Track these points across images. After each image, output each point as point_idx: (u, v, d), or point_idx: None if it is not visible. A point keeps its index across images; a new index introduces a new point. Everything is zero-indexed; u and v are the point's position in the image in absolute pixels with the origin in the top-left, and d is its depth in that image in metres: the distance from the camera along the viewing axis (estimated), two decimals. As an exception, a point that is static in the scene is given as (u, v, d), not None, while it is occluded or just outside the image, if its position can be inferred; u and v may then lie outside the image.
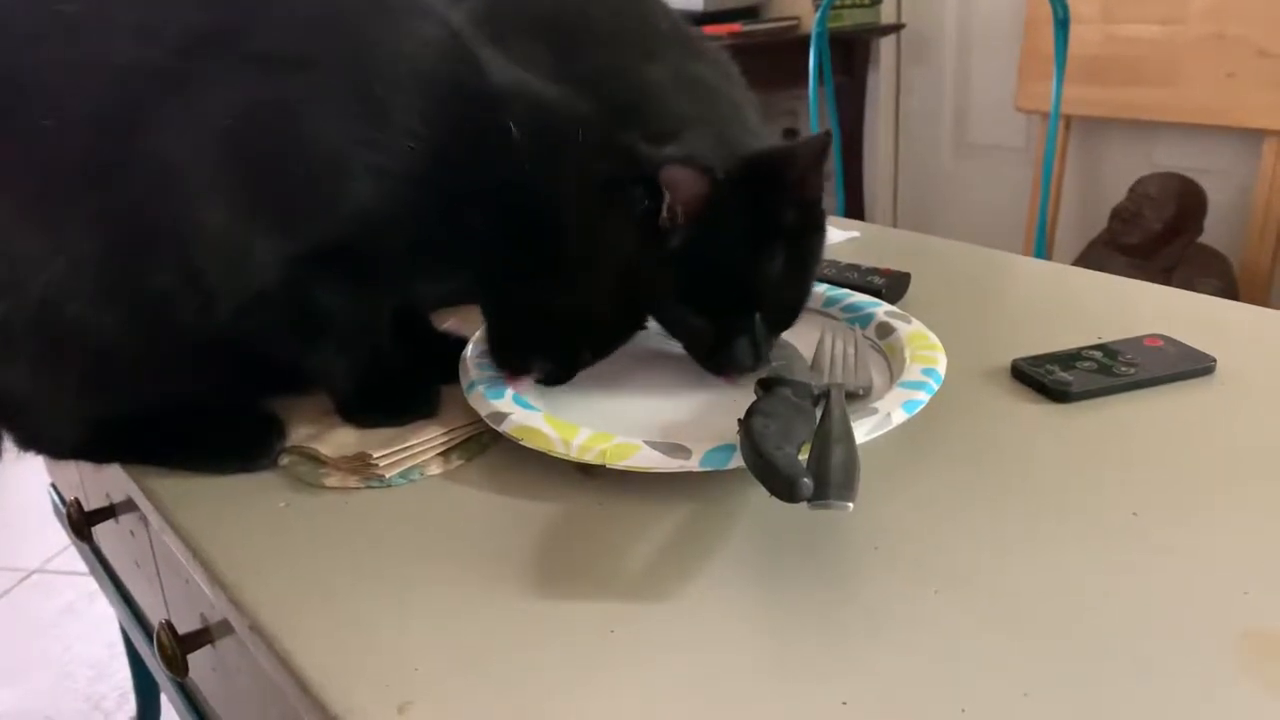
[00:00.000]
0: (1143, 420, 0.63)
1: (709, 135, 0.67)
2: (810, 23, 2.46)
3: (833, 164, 2.62)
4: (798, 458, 0.50)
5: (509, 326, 0.68)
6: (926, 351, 0.67)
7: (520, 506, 0.57)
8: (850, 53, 2.72)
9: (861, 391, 0.65)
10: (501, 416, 0.61)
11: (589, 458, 0.56)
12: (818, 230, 0.67)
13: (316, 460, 0.62)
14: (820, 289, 0.81)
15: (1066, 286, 0.91)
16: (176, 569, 0.75)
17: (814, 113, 2.40)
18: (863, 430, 0.55)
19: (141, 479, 0.63)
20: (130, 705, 1.60)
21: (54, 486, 1.18)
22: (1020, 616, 0.46)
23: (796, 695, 0.42)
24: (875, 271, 0.87)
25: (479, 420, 0.63)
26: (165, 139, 0.54)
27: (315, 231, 0.58)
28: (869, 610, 0.47)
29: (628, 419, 0.63)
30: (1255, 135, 2.15)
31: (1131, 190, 2.20)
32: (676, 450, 0.55)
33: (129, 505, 0.84)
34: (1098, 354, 0.70)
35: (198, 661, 0.72)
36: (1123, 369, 0.68)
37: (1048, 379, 0.67)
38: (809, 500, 0.47)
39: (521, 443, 0.59)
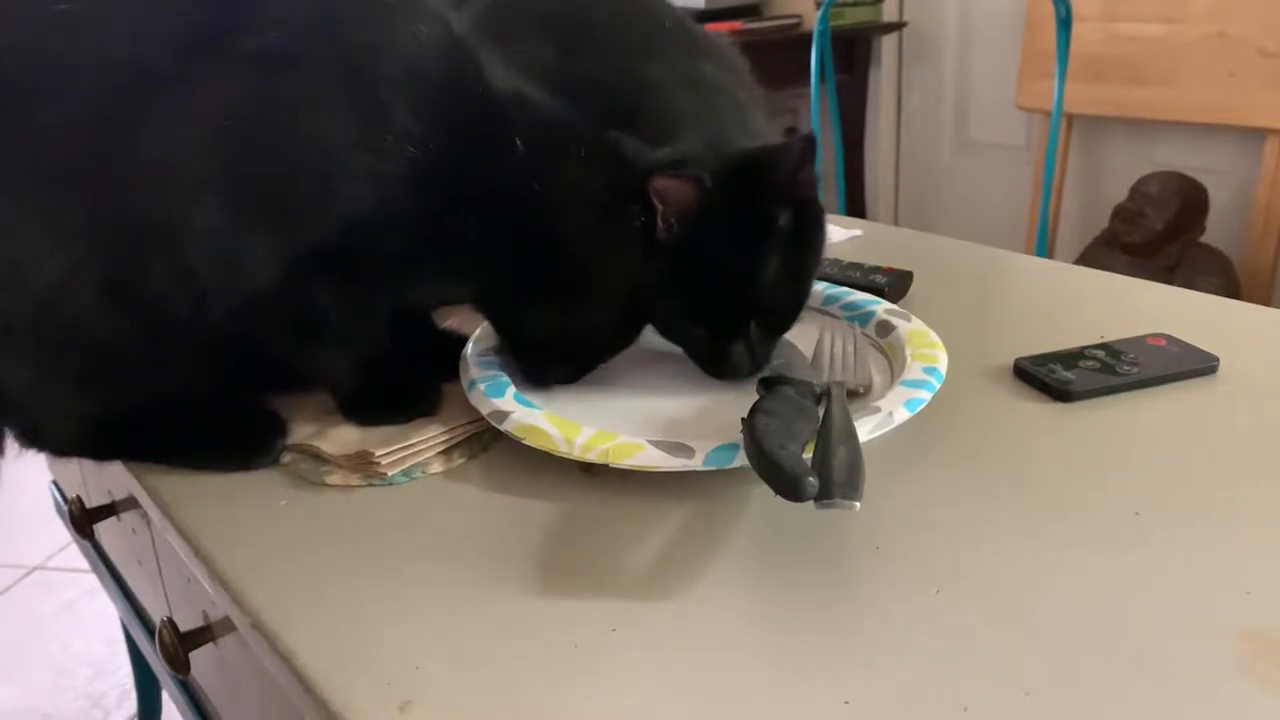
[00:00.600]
0: (1145, 419, 0.63)
1: (704, 136, 0.67)
2: (811, 21, 2.46)
3: (833, 162, 2.62)
4: (802, 456, 0.50)
5: (517, 335, 0.68)
6: (928, 350, 0.67)
7: (522, 505, 0.57)
8: (852, 51, 2.72)
9: (862, 389, 0.65)
10: (503, 415, 0.61)
11: (591, 456, 0.56)
12: (815, 230, 0.67)
13: (318, 458, 0.62)
14: (820, 287, 0.81)
15: (1069, 285, 0.90)
16: (178, 567, 0.75)
17: (815, 111, 2.40)
18: (865, 429, 0.55)
19: (143, 476, 0.63)
20: (130, 703, 1.60)
21: (55, 484, 1.18)
22: (1022, 616, 0.46)
23: (798, 694, 0.42)
24: (877, 270, 0.87)
25: (481, 418, 0.63)
26: (160, 138, 0.54)
27: (309, 232, 0.58)
28: (870, 609, 0.47)
29: (630, 418, 0.63)
30: (1257, 134, 2.15)
31: (1133, 189, 2.20)
32: (679, 449, 0.55)
33: (131, 503, 0.84)
34: (1100, 353, 0.70)
35: (199, 659, 0.72)
36: (1125, 368, 0.68)
37: (1050, 378, 0.66)
38: (815, 500, 0.47)
39: (524, 441, 0.59)
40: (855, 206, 2.75)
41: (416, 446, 0.61)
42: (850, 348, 0.69)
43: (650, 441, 0.56)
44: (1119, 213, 2.21)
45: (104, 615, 1.82)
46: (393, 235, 0.59)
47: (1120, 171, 2.38)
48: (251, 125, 0.55)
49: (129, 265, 0.56)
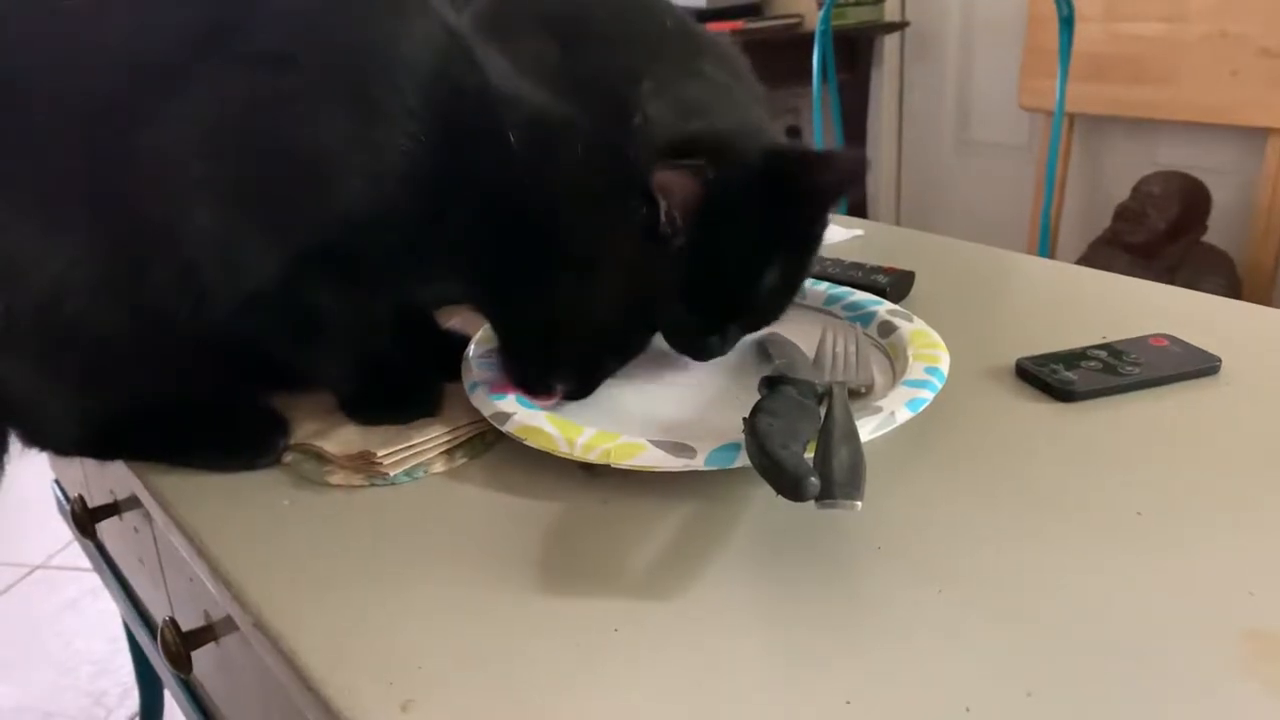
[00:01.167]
0: (1147, 420, 0.63)
1: (709, 132, 0.67)
2: (813, 20, 2.46)
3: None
4: (804, 456, 0.50)
5: (519, 339, 0.67)
6: (929, 350, 0.67)
7: (524, 505, 0.57)
8: (853, 50, 2.72)
9: (863, 389, 0.65)
10: (505, 416, 0.61)
11: (593, 457, 0.56)
12: (819, 241, 0.68)
13: (320, 458, 0.62)
14: (821, 287, 0.81)
15: (1071, 285, 0.90)
16: (180, 566, 0.75)
17: (817, 110, 2.40)
18: (867, 429, 0.55)
19: (145, 476, 0.63)
20: (131, 701, 1.60)
21: (58, 483, 1.18)
22: (1024, 616, 0.46)
23: (800, 694, 0.42)
24: (879, 270, 0.86)
25: (483, 419, 0.63)
26: (160, 136, 0.54)
27: (307, 231, 0.58)
28: (872, 609, 0.47)
29: (632, 418, 0.63)
30: (1259, 133, 2.15)
31: (1135, 189, 2.20)
32: (681, 449, 0.55)
33: (133, 502, 0.84)
34: (1102, 353, 0.70)
35: (201, 658, 0.72)
36: (1127, 368, 0.68)
37: (1052, 378, 0.66)
38: (817, 500, 0.47)
39: (525, 442, 0.59)
40: (857, 206, 2.74)
41: (419, 446, 0.62)
42: (852, 348, 0.69)
43: (651, 442, 0.56)
44: (1121, 212, 2.21)
45: (106, 614, 1.82)
46: (392, 234, 0.59)
47: (1122, 171, 2.38)
48: (250, 125, 0.55)
49: (129, 264, 0.56)
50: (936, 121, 2.88)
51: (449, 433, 0.63)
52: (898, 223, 2.99)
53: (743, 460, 0.53)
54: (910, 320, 0.72)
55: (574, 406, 0.65)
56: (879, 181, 2.97)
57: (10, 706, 1.67)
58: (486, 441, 0.64)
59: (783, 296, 0.69)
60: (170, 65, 0.55)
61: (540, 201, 0.61)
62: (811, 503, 0.47)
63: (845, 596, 0.48)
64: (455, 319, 0.78)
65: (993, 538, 0.52)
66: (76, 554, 1.82)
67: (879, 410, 0.58)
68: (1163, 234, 2.13)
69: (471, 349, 0.70)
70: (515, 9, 0.76)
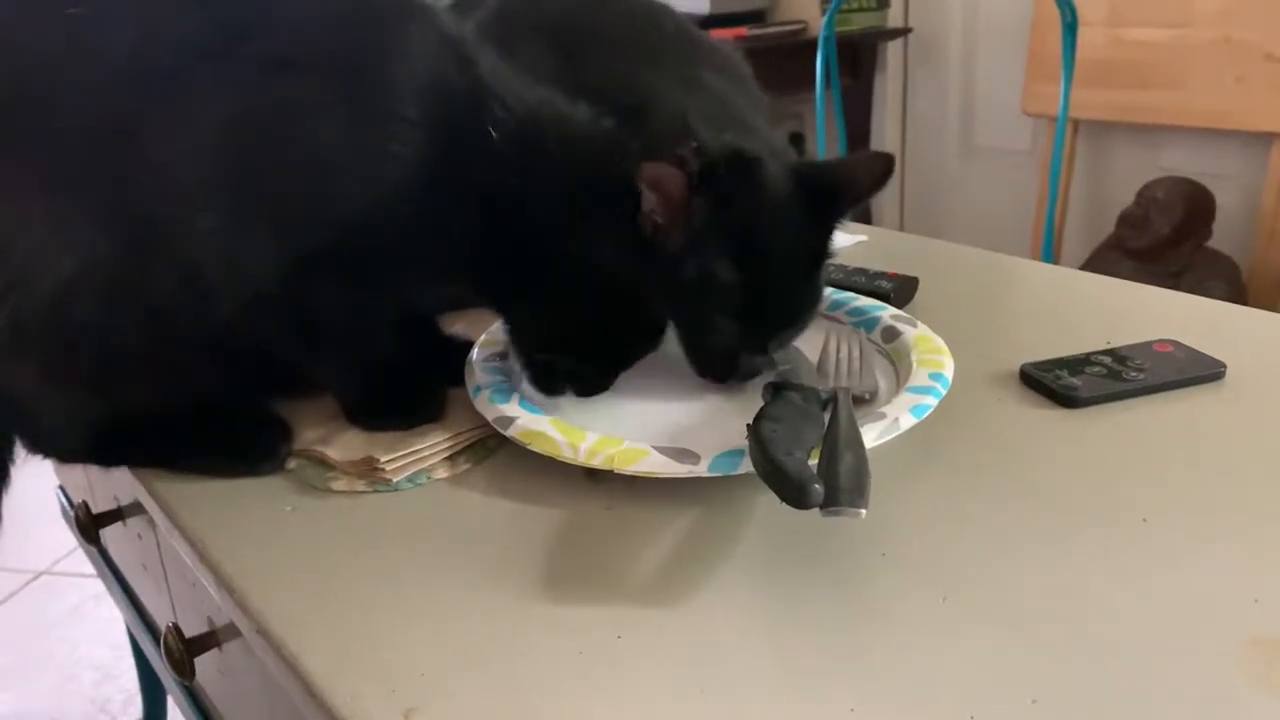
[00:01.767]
0: (1152, 426, 0.63)
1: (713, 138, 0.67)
2: (817, 26, 2.46)
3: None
4: (808, 463, 0.50)
5: (531, 338, 0.67)
6: (933, 356, 0.67)
7: (527, 511, 0.57)
8: (857, 56, 2.72)
9: (867, 395, 0.65)
10: (508, 421, 0.61)
11: (596, 462, 0.56)
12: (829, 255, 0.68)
13: (323, 464, 0.62)
14: (825, 293, 0.81)
15: (1075, 291, 0.90)
16: (183, 572, 0.75)
17: (821, 116, 2.40)
18: (871, 435, 0.55)
19: (149, 482, 0.63)
20: (135, 708, 1.60)
21: (62, 489, 1.18)
22: (1028, 623, 0.45)
23: (804, 701, 0.41)
24: (883, 275, 0.86)
25: (486, 424, 0.63)
26: (167, 139, 0.55)
27: (311, 232, 0.58)
28: (877, 616, 0.46)
29: (635, 423, 0.63)
30: (1263, 139, 2.15)
31: (1139, 194, 2.19)
32: (685, 455, 0.55)
33: (137, 508, 0.84)
34: (1107, 359, 0.70)
35: (204, 665, 0.72)
36: (1132, 374, 0.68)
37: (1056, 384, 0.66)
38: (821, 507, 0.47)
39: (529, 447, 0.59)
40: (860, 212, 2.74)
41: (422, 452, 0.61)
42: (856, 353, 0.69)
43: (655, 448, 0.56)
44: (1125, 218, 2.20)
45: (110, 620, 1.82)
46: (395, 236, 0.59)
47: (1126, 176, 2.38)
48: (255, 127, 0.56)
49: (136, 266, 0.56)
50: (940, 127, 2.88)
51: (452, 438, 0.63)
52: (902, 228, 2.99)
53: (747, 467, 0.53)
54: (914, 326, 0.72)
55: (578, 412, 0.65)
56: (883, 187, 2.96)
57: (15, 712, 1.67)
58: (489, 446, 0.64)
59: (815, 305, 0.68)
60: (179, 69, 0.55)
61: (536, 203, 0.61)
62: (815, 509, 0.47)
63: (849, 603, 0.48)
64: (459, 324, 0.78)
65: (997, 544, 0.51)
66: (80, 560, 1.82)
67: (883, 416, 0.57)
68: (1167, 239, 2.12)
69: (475, 353, 0.70)
70: (517, 18, 0.76)
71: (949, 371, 0.64)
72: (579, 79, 0.68)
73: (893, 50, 2.86)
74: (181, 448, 0.64)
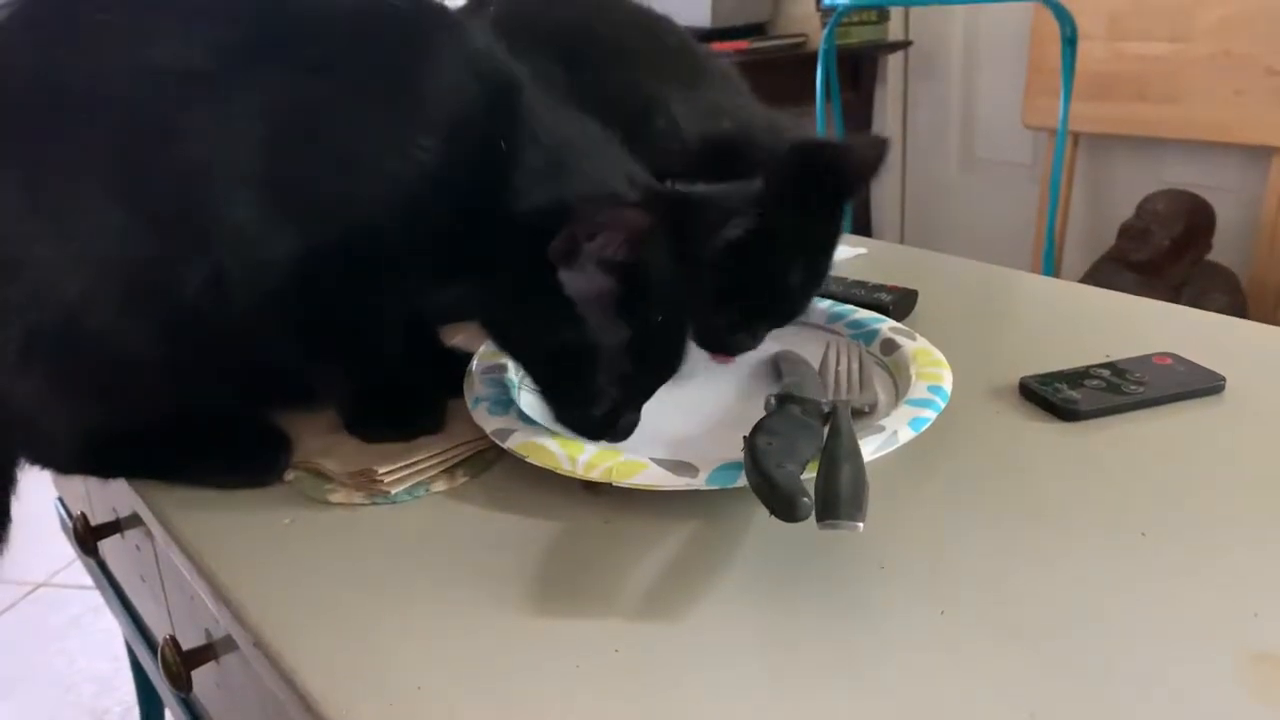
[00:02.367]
0: (1151, 439, 0.63)
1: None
2: (818, 40, 2.47)
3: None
4: (799, 476, 0.50)
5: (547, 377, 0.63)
6: (933, 369, 0.67)
7: (525, 524, 0.57)
8: (857, 69, 2.73)
9: (867, 408, 0.65)
10: (507, 433, 0.61)
11: (594, 475, 0.56)
12: (840, 231, 0.69)
13: (322, 476, 0.62)
14: (824, 305, 0.81)
15: (1075, 304, 0.90)
16: (181, 584, 0.75)
17: (821, 129, 2.41)
18: (869, 448, 0.55)
19: (147, 493, 0.63)
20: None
21: (60, 500, 1.18)
22: (1027, 636, 0.45)
23: (802, 715, 0.41)
24: (882, 288, 0.86)
25: (484, 436, 0.63)
26: (201, 139, 0.56)
27: (328, 231, 0.59)
28: (875, 630, 0.46)
29: (636, 435, 0.63)
30: (1263, 152, 2.15)
31: (1139, 207, 2.19)
32: (683, 468, 0.55)
33: (135, 520, 0.84)
34: (1106, 372, 0.70)
35: (202, 677, 0.72)
36: (1131, 387, 0.68)
37: (1056, 397, 0.66)
38: (819, 520, 0.47)
39: (527, 460, 0.59)
40: (861, 224, 2.75)
41: (420, 464, 0.61)
42: (855, 366, 0.69)
43: (653, 460, 0.56)
44: (1125, 230, 2.20)
45: (108, 632, 1.81)
46: (404, 242, 0.59)
47: (1126, 189, 2.38)
48: (286, 125, 0.57)
49: (162, 267, 0.57)
50: (940, 140, 2.88)
51: (450, 450, 0.63)
52: (902, 241, 2.99)
53: (745, 480, 0.53)
54: (913, 339, 0.72)
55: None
56: (883, 199, 2.97)
57: (12, 725, 1.67)
58: (488, 459, 0.64)
59: (811, 288, 0.70)
60: (213, 73, 0.56)
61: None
62: (813, 523, 0.47)
63: (848, 616, 0.47)
64: (459, 336, 0.78)
65: (996, 558, 0.51)
66: (79, 572, 1.82)
67: (882, 429, 0.57)
68: (1167, 252, 2.12)
69: (474, 365, 0.70)
70: (520, 30, 0.76)
71: (948, 384, 0.64)
72: (583, 91, 0.68)
73: (893, 63, 2.87)
74: (181, 460, 0.64)
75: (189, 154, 0.56)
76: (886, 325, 0.76)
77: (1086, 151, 2.50)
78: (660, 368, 0.62)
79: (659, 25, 0.80)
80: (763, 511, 0.49)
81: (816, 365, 0.70)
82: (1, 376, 0.59)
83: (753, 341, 0.71)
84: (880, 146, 0.68)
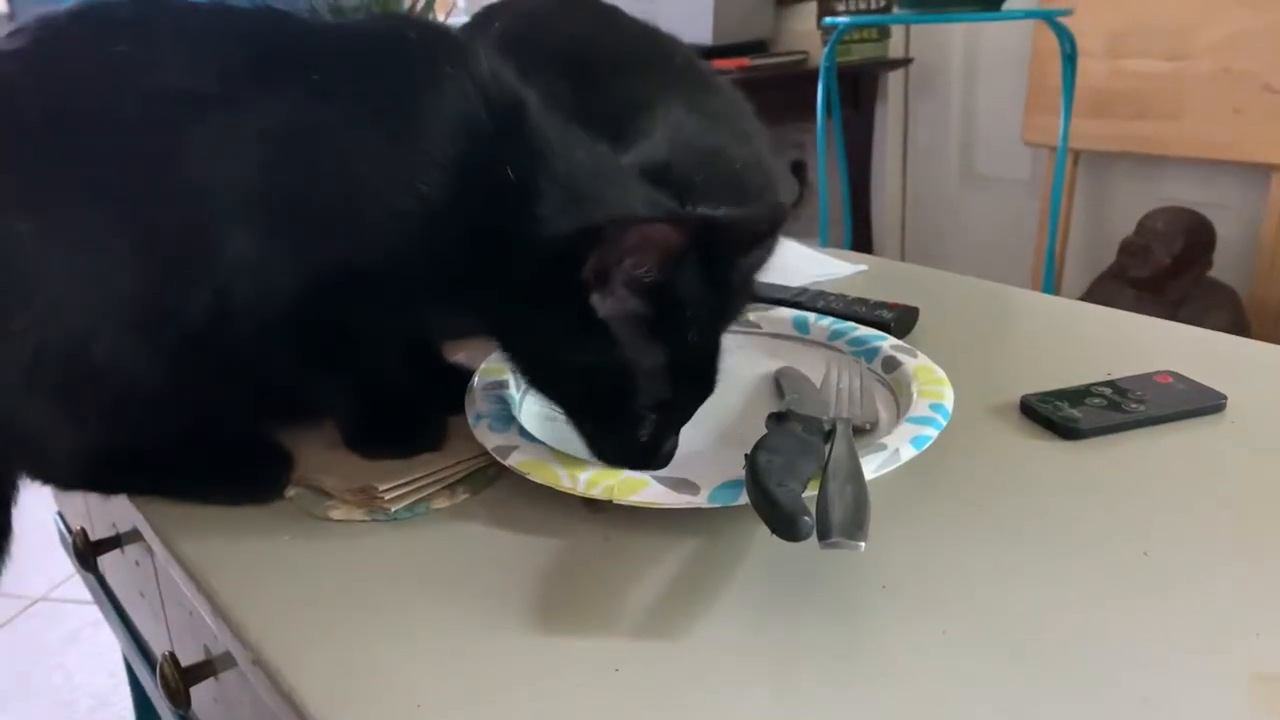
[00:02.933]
0: (1153, 458, 0.63)
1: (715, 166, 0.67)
2: (818, 57, 2.48)
3: (839, 197, 2.63)
4: (800, 495, 0.50)
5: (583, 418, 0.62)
6: (934, 386, 0.67)
7: (526, 541, 0.57)
8: (858, 86, 2.74)
9: (868, 426, 0.65)
10: (508, 450, 0.60)
11: (596, 493, 0.56)
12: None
13: (322, 493, 0.62)
14: (825, 322, 0.81)
15: (1076, 322, 0.90)
16: (180, 600, 0.74)
17: (821, 146, 2.41)
18: (871, 466, 0.55)
19: (148, 509, 0.63)
20: (131, 735, 1.59)
21: (60, 515, 1.18)
22: (1030, 656, 0.45)
23: (803, 736, 0.41)
24: (883, 305, 0.86)
25: (485, 453, 0.63)
26: (208, 163, 0.57)
27: (331, 255, 0.59)
28: (876, 649, 0.46)
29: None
30: (1263, 170, 2.16)
31: (1140, 224, 2.20)
32: (684, 486, 0.55)
33: (135, 535, 0.83)
34: (1107, 390, 0.70)
35: (200, 694, 0.71)
36: (1132, 406, 0.67)
37: (1056, 415, 0.66)
38: (820, 539, 0.46)
39: (528, 477, 0.59)
40: (861, 241, 2.75)
41: (420, 481, 0.61)
42: (856, 383, 0.69)
43: (655, 478, 0.56)
44: (1125, 247, 2.21)
45: (107, 647, 1.81)
46: (418, 269, 0.60)
47: (1126, 206, 2.38)
48: (292, 149, 0.57)
49: (164, 293, 0.58)
50: (941, 157, 2.89)
51: (450, 468, 0.63)
52: (902, 258, 2.99)
53: (746, 498, 0.53)
54: (914, 356, 0.72)
55: (578, 441, 0.64)
56: (883, 216, 2.97)
57: (9, 740, 1.66)
58: (488, 476, 0.63)
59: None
60: (220, 98, 0.57)
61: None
62: (815, 541, 0.47)
63: (850, 636, 0.47)
64: (461, 353, 0.78)
65: (998, 577, 0.51)
66: (78, 587, 1.81)
67: (883, 448, 0.57)
68: (1167, 269, 2.12)
69: (476, 381, 0.70)
70: (526, 49, 0.77)
71: (949, 402, 0.64)
72: (588, 110, 0.68)
73: (894, 80, 2.88)
74: (182, 477, 0.64)
75: (196, 181, 0.57)
76: (888, 343, 0.76)
77: (1086, 168, 2.50)
78: (696, 390, 0.61)
79: (665, 44, 0.80)
80: (764, 530, 0.48)
81: (818, 383, 0.70)
82: (6, 395, 0.59)
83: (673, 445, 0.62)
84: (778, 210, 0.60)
